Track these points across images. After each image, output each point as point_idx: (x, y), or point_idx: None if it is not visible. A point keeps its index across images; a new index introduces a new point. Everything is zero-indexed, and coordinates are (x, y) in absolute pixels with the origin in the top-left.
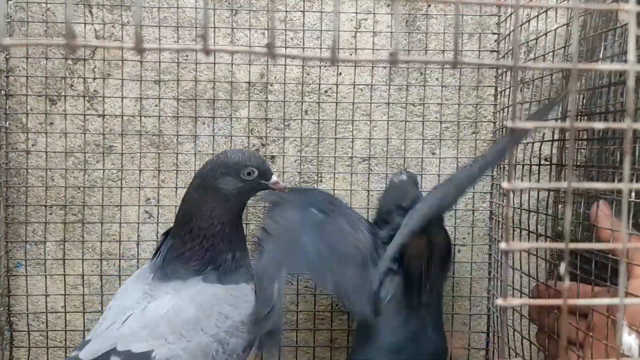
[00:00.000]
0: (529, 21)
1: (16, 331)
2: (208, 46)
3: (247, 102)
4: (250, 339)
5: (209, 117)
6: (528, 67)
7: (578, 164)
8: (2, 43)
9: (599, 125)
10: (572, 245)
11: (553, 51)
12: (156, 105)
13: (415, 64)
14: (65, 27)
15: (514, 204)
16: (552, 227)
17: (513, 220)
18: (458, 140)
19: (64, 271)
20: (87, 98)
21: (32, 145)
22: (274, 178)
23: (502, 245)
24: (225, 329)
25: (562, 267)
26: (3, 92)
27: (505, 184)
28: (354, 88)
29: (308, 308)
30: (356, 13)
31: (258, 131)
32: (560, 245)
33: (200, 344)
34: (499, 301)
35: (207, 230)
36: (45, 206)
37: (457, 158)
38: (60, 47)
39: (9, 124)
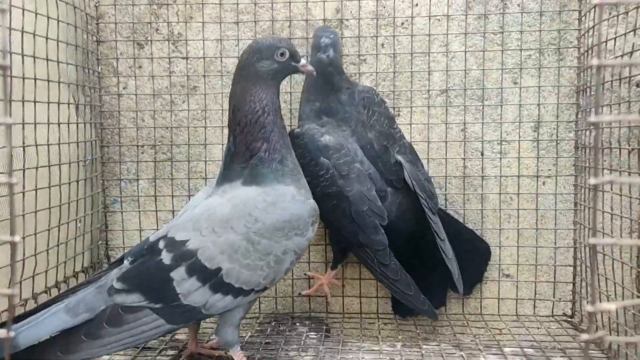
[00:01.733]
0: None
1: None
2: None
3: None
4: (290, 245)
5: None
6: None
7: None
8: None
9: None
10: None
11: None
12: (236, 46)
13: None
14: None
15: (602, 144)
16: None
17: (603, 155)
18: (541, 68)
19: (156, 207)
20: (171, 41)
21: (123, 88)
22: (303, 60)
23: (592, 180)
24: (254, 230)
25: None
26: (95, 39)
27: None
28: (429, 19)
29: None
30: None
31: None
32: None
33: (227, 240)
34: (591, 240)
35: (252, 117)
36: (137, 146)
37: (540, 87)
38: None
39: (101, 69)
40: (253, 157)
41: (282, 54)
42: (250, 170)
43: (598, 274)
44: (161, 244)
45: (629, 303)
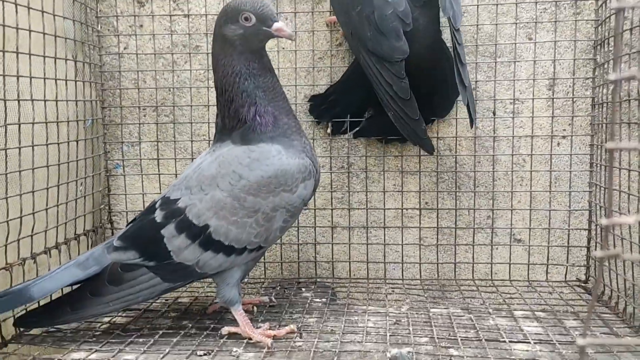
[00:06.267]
0: None
1: (117, 229)
2: None
3: None
4: (278, 202)
5: (290, 12)
6: None
7: None
8: None
9: None
10: None
11: None
12: None
13: None
14: None
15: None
16: None
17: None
18: (557, 22)
19: (159, 170)
20: None
21: (124, 48)
22: (277, 24)
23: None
24: (239, 187)
25: None
26: None
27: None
28: None
29: (396, 205)
30: None
31: None
32: None
33: (213, 197)
34: (609, 145)
35: (226, 82)
36: (139, 108)
37: (555, 42)
38: None
39: (101, 28)
40: (241, 120)
41: (246, 19)
42: (241, 132)
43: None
44: (158, 204)
45: None
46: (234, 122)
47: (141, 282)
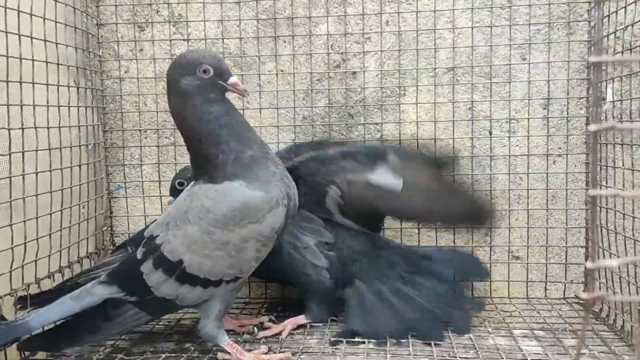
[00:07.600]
0: None
1: None
2: None
3: (326, 17)
4: (247, 233)
5: (288, 36)
6: None
7: None
8: None
9: None
10: None
11: None
12: (237, 27)
13: None
14: None
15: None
16: None
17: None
18: (550, 43)
19: (160, 192)
20: (172, 23)
21: (125, 72)
22: (233, 79)
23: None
24: (207, 221)
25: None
26: (95, 21)
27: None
28: None
29: (395, 225)
30: None
31: (338, 46)
32: None
33: (185, 232)
34: (591, 192)
35: (188, 129)
36: (140, 130)
37: (549, 62)
38: None
39: (103, 52)
40: (209, 161)
41: (204, 71)
42: (208, 172)
43: (604, 233)
44: (144, 241)
45: (632, 260)
46: (199, 162)
47: (129, 317)
